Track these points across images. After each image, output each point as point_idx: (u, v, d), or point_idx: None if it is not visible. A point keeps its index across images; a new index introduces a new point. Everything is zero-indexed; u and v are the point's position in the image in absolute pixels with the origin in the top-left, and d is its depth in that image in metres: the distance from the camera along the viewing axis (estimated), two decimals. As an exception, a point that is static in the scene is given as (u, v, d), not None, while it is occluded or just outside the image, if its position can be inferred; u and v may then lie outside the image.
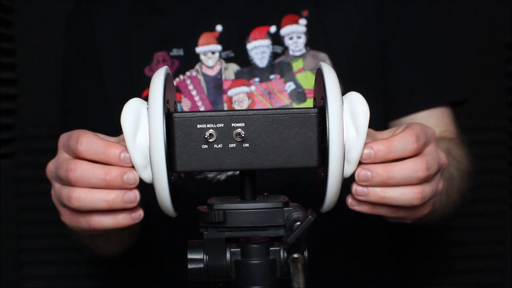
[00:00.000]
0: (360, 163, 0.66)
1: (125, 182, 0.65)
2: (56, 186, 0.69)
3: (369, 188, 0.66)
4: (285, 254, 0.66)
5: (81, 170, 0.66)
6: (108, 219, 0.67)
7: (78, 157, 0.67)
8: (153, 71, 1.03)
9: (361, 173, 0.66)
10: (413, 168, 0.67)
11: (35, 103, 1.46)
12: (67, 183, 0.67)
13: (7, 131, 1.44)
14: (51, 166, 0.71)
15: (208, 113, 0.64)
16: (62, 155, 0.69)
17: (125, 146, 0.65)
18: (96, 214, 0.67)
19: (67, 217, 0.70)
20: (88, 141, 0.66)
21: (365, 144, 0.66)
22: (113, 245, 1.03)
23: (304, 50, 1.02)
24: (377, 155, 0.66)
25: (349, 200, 0.68)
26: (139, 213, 0.67)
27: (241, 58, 1.03)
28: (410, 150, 0.67)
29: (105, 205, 0.66)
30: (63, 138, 0.69)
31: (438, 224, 1.00)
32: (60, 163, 0.68)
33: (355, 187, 0.67)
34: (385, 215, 0.69)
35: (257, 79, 1.02)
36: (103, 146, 0.66)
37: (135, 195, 0.66)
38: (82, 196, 0.66)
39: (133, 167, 0.66)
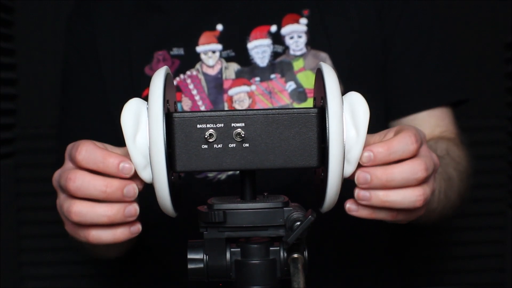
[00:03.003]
0: (359, 165, 0.66)
1: (125, 195, 0.65)
2: (61, 197, 0.70)
3: (371, 192, 0.66)
4: (285, 254, 0.66)
5: (82, 180, 0.66)
6: (107, 234, 0.67)
7: (78, 166, 0.67)
8: (153, 70, 1.02)
9: (360, 175, 0.65)
10: (412, 169, 0.66)
11: (35, 103, 1.46)
12: (67, 192, 0.67)
13: (7, 131, 1.44)
14: (56, 175, 0.71)
15: (208, 113, 0.64)
16: (67, 164, 0.69)
17: (125, 157, 0.66)
18: (94, 228, 0.67)
19: (69, 227, 0.70)
20: (88, 150, 0.66)
21: (365, 147, 0.65)
22: (113, 251, 1.03)
23: (304, 50, 1.02)
24: (377, 157, 0.66)
25: (347, 205, 0.68)
26: (137, 227, 0.68)
27: (242, 57, 1.03)
28: (410, 151, 0.67)
29: (106, 220, 0.66)
30: (69, 147, 0.70)
31: (437, 223, 1.00)
32: (63, 172, 0.68)
33: (357, 191, 0.66)
34: (384, 219, 0.69)
35: (257, 79, 1.02)
36: (102, 155, 0.66)
37: (135, 209, 0.66)
38: (83, 211, 0.66)
39: (132, 178, 0.66)
